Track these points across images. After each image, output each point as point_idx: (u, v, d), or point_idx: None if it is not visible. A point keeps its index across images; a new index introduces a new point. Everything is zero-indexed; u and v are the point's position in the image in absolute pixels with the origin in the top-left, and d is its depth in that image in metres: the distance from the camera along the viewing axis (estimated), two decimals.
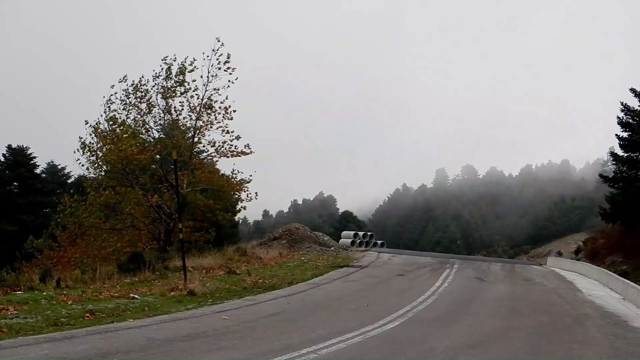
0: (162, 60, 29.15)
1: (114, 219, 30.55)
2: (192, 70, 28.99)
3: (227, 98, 29.34)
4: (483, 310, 17.75)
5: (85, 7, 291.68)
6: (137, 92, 29.33)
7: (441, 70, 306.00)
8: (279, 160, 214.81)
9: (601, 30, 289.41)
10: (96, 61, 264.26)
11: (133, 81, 29.47)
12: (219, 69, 28.68)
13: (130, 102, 29.50)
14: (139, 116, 29.77)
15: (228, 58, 28.63)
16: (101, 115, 29.47)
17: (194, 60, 28.98)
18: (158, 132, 30.87)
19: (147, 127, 30.26)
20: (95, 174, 31.29)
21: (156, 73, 29.29)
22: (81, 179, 35.11)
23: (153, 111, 29.61)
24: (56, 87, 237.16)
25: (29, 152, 55.15)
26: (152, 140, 30.98)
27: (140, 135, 30.18)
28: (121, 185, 29.93)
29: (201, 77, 28.91)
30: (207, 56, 28.52)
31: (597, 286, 27.32)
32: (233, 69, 28.64)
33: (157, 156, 30.07)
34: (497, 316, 16.83)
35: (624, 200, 34.04)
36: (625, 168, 34.83)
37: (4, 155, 55.20)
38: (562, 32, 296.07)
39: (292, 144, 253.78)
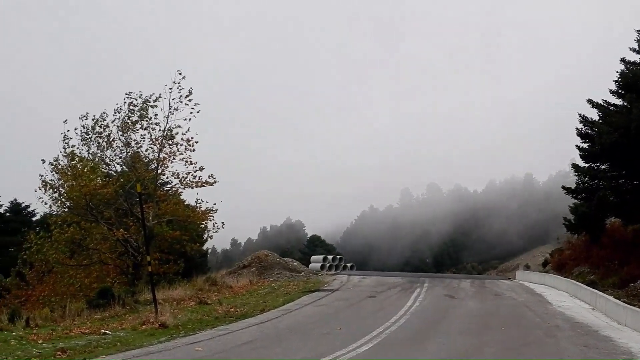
0: (126, 95, 29.15)
1: (80, 255, 30.24)
2: (154, 106, 29.11)
3: (189, 130, 29.40)
4: (455, 328, 17.84)
5: (43, 46, 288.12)
6: (97, 127, 29.20)
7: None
8: (247, 187, 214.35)
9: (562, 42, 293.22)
10: (54, 96, 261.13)
11: (94, 116, 29.35)
12: (181, 102, 28.86)
13: (89, 138, 29.35)
14: (98, 151, 29.62)
15: (190, 92, 28.83)
16: (60, 152, 29.29)
17: (159, 96, 29.04)
18: (120, 165, 30.76)
19: (107, 161, 30.17)
20: (59, 211, 30.91)
21: (119, 106, 29.29)
22: (46, 216, 34.68)
23: (113, 145, 29.52)
24: (17, 123, 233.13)
25: None
26: (114, 173, 30.83)
27: (102, 170, 29.99)
28: (86, 220, 29.70)
29: (162, 110, 29.05)
30: (170, 88, 28.66)
31: (566, 297, 27.71)
32: (196, 103, 28.84)
33: (121, 189, 29.86)
34: (469, 333, 16.93)
35: (588, 211, 34.44)
36: (587, 179, 35.20)
37: None
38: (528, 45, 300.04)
39: (258, 170, 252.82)
